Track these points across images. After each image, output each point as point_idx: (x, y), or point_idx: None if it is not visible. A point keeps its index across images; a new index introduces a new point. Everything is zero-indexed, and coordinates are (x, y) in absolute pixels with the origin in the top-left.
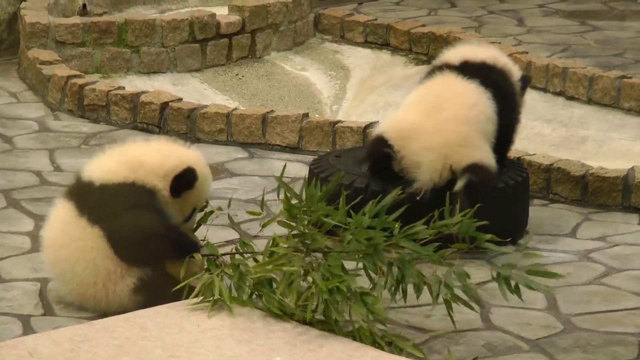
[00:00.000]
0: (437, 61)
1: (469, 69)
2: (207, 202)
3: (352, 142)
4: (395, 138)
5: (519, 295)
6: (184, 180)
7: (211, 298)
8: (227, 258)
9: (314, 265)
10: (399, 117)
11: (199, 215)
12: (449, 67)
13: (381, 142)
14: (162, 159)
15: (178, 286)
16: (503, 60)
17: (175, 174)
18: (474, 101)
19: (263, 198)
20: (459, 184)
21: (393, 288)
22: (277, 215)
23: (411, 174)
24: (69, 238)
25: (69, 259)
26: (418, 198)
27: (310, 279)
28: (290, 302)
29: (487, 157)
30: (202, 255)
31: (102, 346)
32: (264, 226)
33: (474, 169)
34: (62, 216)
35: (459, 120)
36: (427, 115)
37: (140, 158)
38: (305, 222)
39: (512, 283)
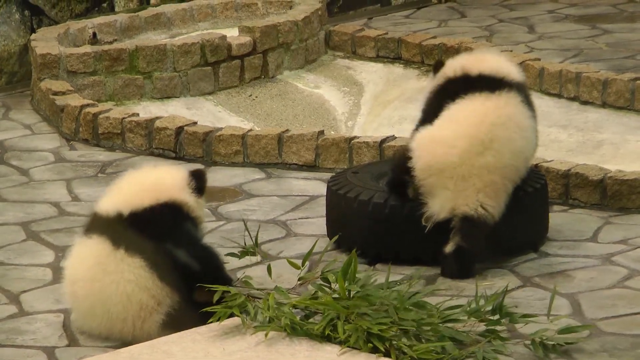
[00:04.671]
0: (456, 70)
1: (522, 90)
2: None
3: (368, 158)
4: (421, 169)
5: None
6: (200, 176)
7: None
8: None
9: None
10: (436, 147)
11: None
12: (511, 85)
13: (404, 169)
14: (177, 174)
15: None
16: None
17: (191, 174)
18: (524, 144)
19: (307, 256)
20: (449, 248)
21: None
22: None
23: (425, 199)
24: (102, 272)
25: (101, 293)
26: (426, 225)
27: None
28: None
29: (494, 212)
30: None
31: None
32: (300, 279)
33: (469, 229)
34: (93, 252)
35: (496, 169)
36: (469, 154)
37: (161, 178)
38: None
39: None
